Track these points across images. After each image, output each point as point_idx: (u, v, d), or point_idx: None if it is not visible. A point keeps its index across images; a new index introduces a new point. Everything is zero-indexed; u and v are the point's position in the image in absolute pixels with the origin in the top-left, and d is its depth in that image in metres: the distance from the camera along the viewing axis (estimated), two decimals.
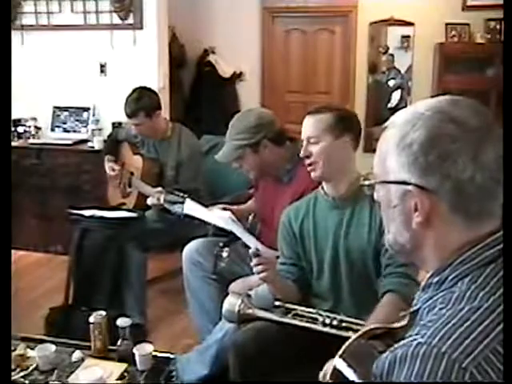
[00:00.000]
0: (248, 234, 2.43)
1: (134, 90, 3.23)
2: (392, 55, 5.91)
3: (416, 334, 0.83)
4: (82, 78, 4.36)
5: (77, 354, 2.23)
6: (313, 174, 2.01)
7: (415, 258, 0.98)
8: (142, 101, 3.16)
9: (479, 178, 0.86)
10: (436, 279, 0.91)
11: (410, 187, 0.90)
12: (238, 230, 2.42)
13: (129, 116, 3.19)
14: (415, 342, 0.80)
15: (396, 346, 0.84)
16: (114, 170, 3.42)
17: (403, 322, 1.06)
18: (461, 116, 0.88)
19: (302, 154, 2.00)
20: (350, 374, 1.13)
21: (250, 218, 2.77)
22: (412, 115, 0.91)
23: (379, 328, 1.18)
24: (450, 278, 0.89)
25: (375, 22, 5.57)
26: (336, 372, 1.17)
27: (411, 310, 0.98)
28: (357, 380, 1.10)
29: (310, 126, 1.98)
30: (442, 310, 0.85)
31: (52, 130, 4.43)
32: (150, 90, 3.30)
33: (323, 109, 2.00)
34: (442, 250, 0.91)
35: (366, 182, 1.01)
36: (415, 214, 0.90)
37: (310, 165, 1.99)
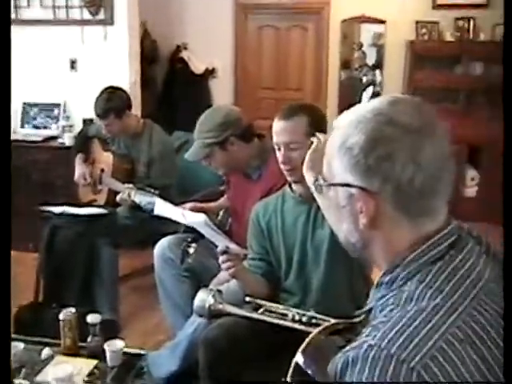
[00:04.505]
0: (220, 235, 2.42)
1: (104, 90, 3.21)
2: (364, 52, 5.97)
3: (367, 336, 0.84)
4: (52, 74, 4.31)
5: (46, 352, 2.22)
6: (290, 178, 2.01)
7: (367, 256, 1.00)
8: (111, 102, 3.14)
9: (419, 178, 0.87)
10: (387, 278, 0.92)
11: (353, 190, 0.91)
12: (210, 233, 2.42)
13: (99, 117, 3.18)
14: (366, 345, 0.81)
15: (348, 347, 0.85)
16: (85, 178, 3.40)
17: (361, 317, 1.07)
18: (400, 117, 0.89)
19: (281, 160, 1.97)
20: (311, 369, 1.15)
21: (221, 213, 2.77)
22: (354, 118, 0.92)
23: (340, 323, 1.20)
24: (400, 277, 0.90)
25: (347, 20, 5.62)
26: (297, 367, 1.19)
27: (366, 308, 1.00)
28: (317, 374, 1.13)
29: (287, 132, 1.95)
30: (393, 311, 0.86)
31: (22, 126, 4.38)
32: (119, 89, 3.28)
33: (295, 110, 1.97)
34: (391, 249, 0.93)
35: (315, 184, 1.03)
36: (361, 216, 0.92)
37: (288, 169, 1.98)
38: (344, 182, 0.92)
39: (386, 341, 0.80)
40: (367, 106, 0.94)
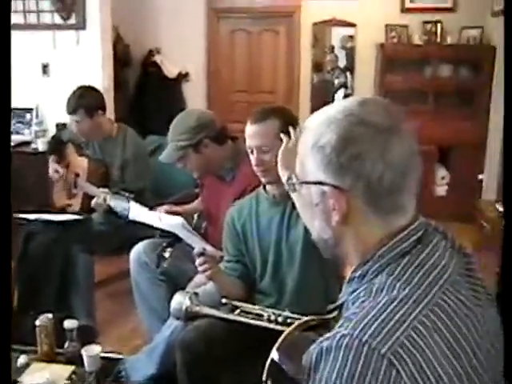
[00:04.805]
0: (196, 237, 2.43)
1: (77, 89, 3.21)
2: (336, 55, 6.05)
3: (340, 327, 0.87)
4: (24, 79, 4.27)
5: (22, 360, 2.19)
6: (264, 179, 2.05)
7: (339, 253, 1.03)
8: (83, 98, 3.14)
9: (388, 175, 0.91)
10: (358, 273, 0.96)
11: (326, 188, 0.94)
12: (187, 235, 2.44)
13: (69, 112, 3.17)
14: (339, 335, 0.84)
15: (321, 338, 0.88)
16: (57, 171, 3.38)
17: (334, 313, 1.11)
18: (370, 117, 0.93)
19: (254, 163, 2.02)
20: (286, 365, 1.19)
21: (195, 216, 2.80)
22: (325, 118, 0.95)
23: (313, 320, 1.24)
24: (371, 271, 0.94)
25: (318, 23, 5.69)
26: (273, 364, 1.23)
27: (338, 302, 1.04)
28: (292, 370, 1.16)
29: (259, 136, 2.00)
30: (364, 302, 0.90)
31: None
32: (94, 89, 3.28)
33: (266, 114, 2.02)
34: (362, 245, 0.96)
35: (288, 182, 1.06)
36: (334, 213, 0.95)
37: (262, 171, 2.02)
38: (317, 180, 0.96)
39: (358, 330, 0.83)
40: (338, 106, 0.97)
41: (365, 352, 0.81)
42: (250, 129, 2.02)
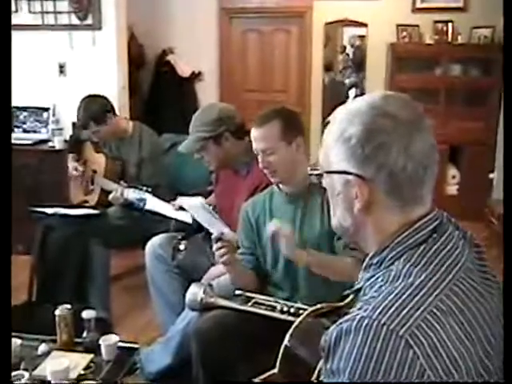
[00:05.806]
0: (216, 218, 2.49)
1: (81, 102, 3.26)
2: (348, 54, 6.09)
3: (359, 309, 0.91)
4: (41, 79, 4.36)
5: (43, 348, 2.26)
6: (274, 180, 2.11)
7: (358, 240, 1.07)
8: (88, 110, 3.20)
9: (410, 166, 0.95)
10: (376, 260, 1.01)
11: (350, 177, 0.98)
12: (206, 217, 2.49)
13: (83, 128, 3.26)
14: (358, 316, 0.88)
15: (341, 320, 0.91)
16: (77, 169, 3.45)
17: (347, 301, 1.17)
18: (393, 110, 0.97)
19: (261, 165, 2.08)
20: (300, 351, 1.24)
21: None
22: (350, 111, 1.00)
23: (325, 307, 1.29)
24: (388, 258, 0.99)
25: (330, 23, 5.73)
26: (287, 349, 1.28)
27: (355, 288, 1.09)
28: (305, 355, 1.21)
29: (262, 139, 2.06)
30: (382, 287, 0.94)
31: (11, 130, 4.42)
32: (97, 96, 3.32)
33: (269, 117, 2.07)
34: (381, 232, 1.01)
35: (314, 172, 1.11)
36: (356, 201, 0.99)
37: (269, 172, 2.08)
38: (341, 169, 1.00)
39: (377, 313, 0.87)
40: (361, 100, 1.02)
41: (383, 333, 0.85)
42: (254, 132, 2.08)
